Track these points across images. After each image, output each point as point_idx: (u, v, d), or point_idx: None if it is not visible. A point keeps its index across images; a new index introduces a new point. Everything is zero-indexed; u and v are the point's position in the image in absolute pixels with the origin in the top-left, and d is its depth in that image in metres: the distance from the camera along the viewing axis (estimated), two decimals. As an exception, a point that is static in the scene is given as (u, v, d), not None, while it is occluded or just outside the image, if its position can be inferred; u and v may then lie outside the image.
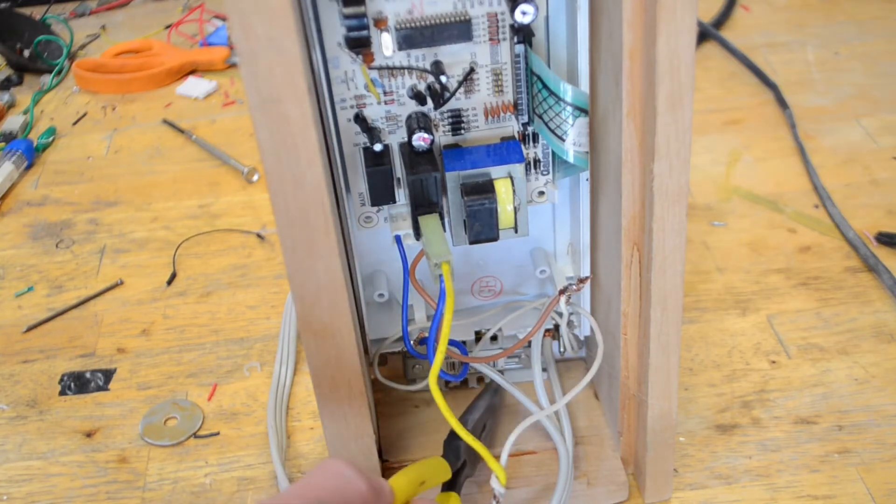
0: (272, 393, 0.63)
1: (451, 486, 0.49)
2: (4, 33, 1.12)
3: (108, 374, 0.67)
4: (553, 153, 0.51)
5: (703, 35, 1.04)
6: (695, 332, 0.67)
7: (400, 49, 0.46)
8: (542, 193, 0.52)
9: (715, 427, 0.59)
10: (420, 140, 0.47)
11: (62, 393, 0.65)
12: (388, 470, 0.55)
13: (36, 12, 1.21)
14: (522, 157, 0.48)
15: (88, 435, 0.62)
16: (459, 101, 0.49)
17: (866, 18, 1.07)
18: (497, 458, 0.50)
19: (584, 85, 0.47)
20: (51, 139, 0.96)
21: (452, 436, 0.50)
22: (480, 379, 0.60)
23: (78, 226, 0.83)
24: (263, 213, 0.82)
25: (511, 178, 0.48)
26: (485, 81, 0.48)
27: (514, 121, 0.50)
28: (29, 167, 0.92)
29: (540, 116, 0.48)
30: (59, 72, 1.09)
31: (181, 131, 0.96)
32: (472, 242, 0.49)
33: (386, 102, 0.48)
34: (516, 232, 0.49)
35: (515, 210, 0.48)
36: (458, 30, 0.45)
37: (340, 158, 0.48)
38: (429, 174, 0.47)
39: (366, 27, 0.44)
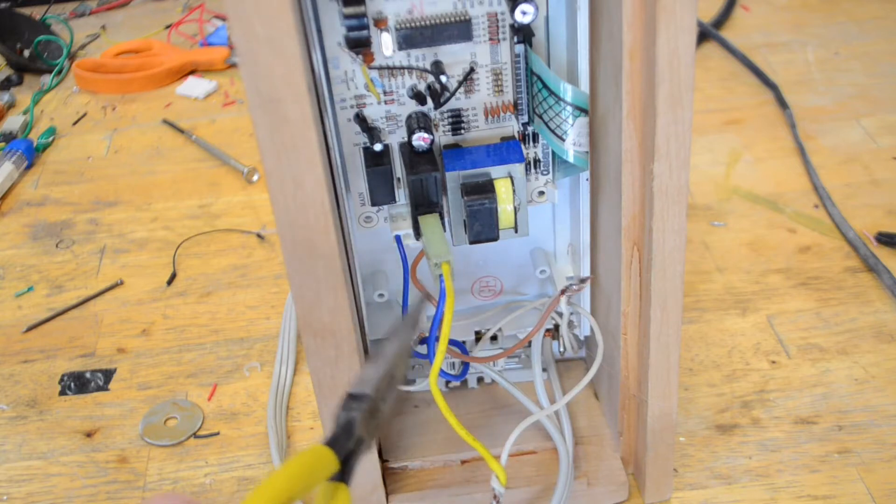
0: (272, 393, 0.63)
1: (340, 475, 0.34)
2: (4, 33, 1.12)
3: (108, 374, 0.67)
4: (553, 153, 0.51)
5: (703, 35, 1.04)
6: (695, 332, 0.67)
7: (400, 49, 0.46)
8: (542, 193, 0.52)
9: (715, 427, 0.59)
10: (420, 140, 0.47)
11: (62, 393, 0.65)
12: (387, 471, 0.55)
13: (36, 12, 1.21)
14: (522, 157, 0.48)
15: (88, 435, 0.62)
16: (459, 101, 0.49)
17: (866, 18, 1.07)
18: (497, 458, 0.50)
19: (584, 85, 0.47)
20: (51, 139, 0.96)
21: (347, 405, 0.36)
22: (480, 379, 0.60)
23: (78, 226, 0.83)
24: (263, 213, 0.82)
25: (511, 178, 0.48)
26: (485, 81, 0.48)
27: (514, 121, 0.50)
28: (29, 167, 0.92)
29: (540, 116, 0.48)
30: (59, 72, 1.09)
31: (181, 131, 0.96)
32: (472, 242, 0.49)
33: (386, 102, 0.48)
34: (516, 232, 0.49)
35: (515, 210, 0.48)
36: (458, 30, 0.45)
37: (340, 158, 0.48)
38: (429, 174, 0.47)
39: (366, 27, 0.44)
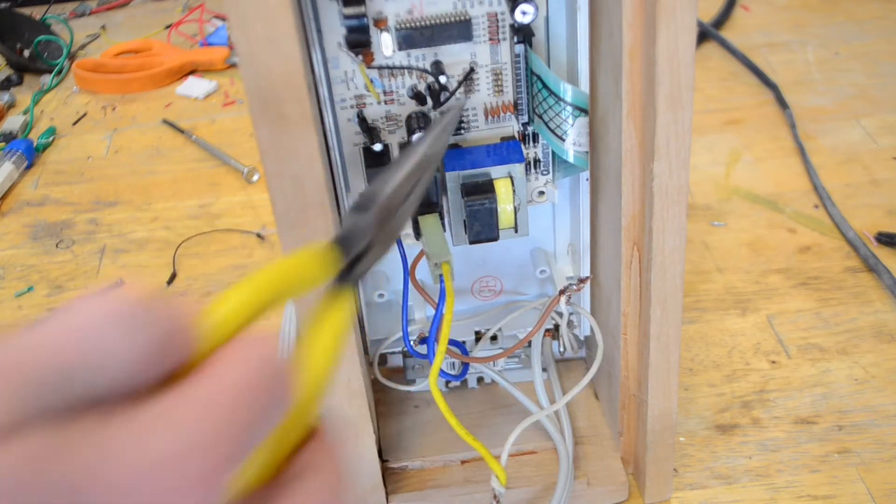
0: (272, 393, 0.63)
1: (345, 278, 0.28)
2: (4, 33, 1.12)
3: (108, 374, 0.66)
4: (553, 153, 0.51)
5: (703, 35, 1.04)
6: (695, 332, 0.67)
7: (400, 49, 0.46)
8: (542, 193, 0.52)
9: (715, 427, 0.59)
10: (420, 140, 0.47)
11: (62, 393, 0.65)
12: (387, 471, 0.55)
13: (36, 12, 1.21)
14: (522, 157, 0.48)
15: (88, 435, 0.62)
16: (459, 101, 0.49)
17: (866, 18, 1.07)
18: (497, 458, 0.50)
19: (584, 85, 0.47)
20: (51, 139, 0.96)
21: (358, 205, 0.31)
22: (480, 379, 0.60)
23: (78, 226, 0.83)
24: (263, 213, 0.82)
25: (511, 178, 0.48)
26: (485, 81, 0.48)
27: (514, 121, 0.50)
28: (29, 167, 0.92)
29: (540, 116, 0.48)
30: (59, 72, 1.09)
31: (181, 131, 0.96)
32: (472, 242, 0.49)
33: (386, 102, 0.48)
34: (516, 232, 0.49)
35: (515, 210, 0.48)
36: (458, 30, 0.45)
37: (340, 158, 0.48)
38: (429, 174, 0.47)
39: (366, 27, 0.44)
